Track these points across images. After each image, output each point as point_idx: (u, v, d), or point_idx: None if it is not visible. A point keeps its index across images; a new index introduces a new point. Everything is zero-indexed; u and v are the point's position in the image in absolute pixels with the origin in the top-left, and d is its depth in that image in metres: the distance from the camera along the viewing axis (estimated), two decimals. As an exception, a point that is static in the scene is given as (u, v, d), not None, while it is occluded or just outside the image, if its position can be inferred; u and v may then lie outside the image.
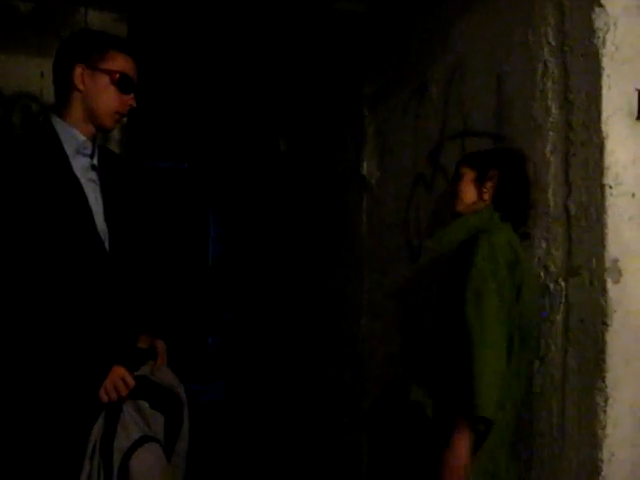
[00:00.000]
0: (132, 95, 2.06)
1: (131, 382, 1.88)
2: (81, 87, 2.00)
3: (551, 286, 2.28)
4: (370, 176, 3.52)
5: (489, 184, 2.29)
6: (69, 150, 2.00)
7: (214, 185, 7.08)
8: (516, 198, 2.29)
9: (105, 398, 1.86)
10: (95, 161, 2.06)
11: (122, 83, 2.03)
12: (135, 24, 3.14)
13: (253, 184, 5.75)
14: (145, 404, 1.93)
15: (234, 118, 5.44)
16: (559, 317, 2.24)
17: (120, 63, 2.04)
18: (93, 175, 2.05)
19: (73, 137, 2.01)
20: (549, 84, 2.30)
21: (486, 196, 2.29)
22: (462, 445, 2.02)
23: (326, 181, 4.18)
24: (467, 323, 2.05)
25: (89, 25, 2.95)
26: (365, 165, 3.57)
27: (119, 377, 1.87)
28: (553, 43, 2.29)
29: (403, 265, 3.17)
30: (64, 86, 2.02)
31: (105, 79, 2.02)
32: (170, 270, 6.97)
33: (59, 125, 2.01)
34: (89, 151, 2.05)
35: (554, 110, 2.28)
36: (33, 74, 2.87)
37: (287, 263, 4.84)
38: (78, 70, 1.99)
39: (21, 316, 1.84)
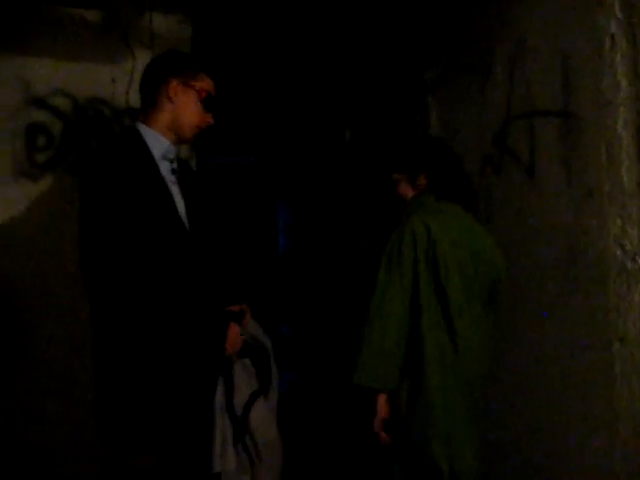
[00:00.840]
0: (211, 114, 2.25)
1: (241, 338, 2.15)
2: (173, 99, 2.17)
3: (628, 265, 2.24)
4: (436, 162, 3.50)
5: (421, 179, 2.57)
6: (156, 155, 2.16)
7: (280, 178, 7.15)
8: (447, 181, 2.56)
9: (230, 351, 2.11)
10: (175, 165, 2.23)
11: (207, 102, 2.22)
12: (200, 24, 3.20)
13: (319, 175, 5.79)
14: (248, 361, 2.21)
15: (299, 110, 5.47)
16: (637, 297, 2.20)
17: (208, 84, 2.23)
18: (173, 178, 2.21)
19: (159, 143, 2.17)
20: (617, 58, 2.25)
21: (421, 184, 2.59)
22: (377, 404, 2.37)
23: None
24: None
25: (155, 29, 3.03)
26: (430, 151, 3.54)
27: (236, 334, 2.13)
28: (620, 16, 2.25)
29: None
30: (155, 95, 2.19)
31: (194, 96, 2.20)
32: (242, 261, 7.07)
33: (146, 131, 2.17)
34: (172, 156, 2.21)
35: (624, 85, 2.24)
36: (104, 80, 2.98)
37: (354, 253, 4.86)
38: (173, 83, 2.17)
39: (150, 296, 1.99)
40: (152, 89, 2.20)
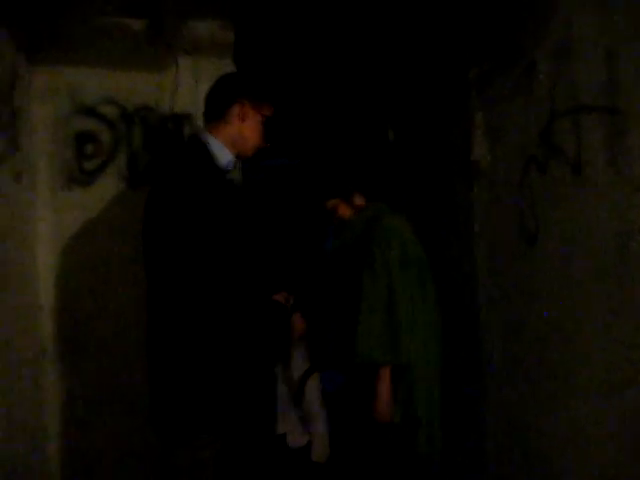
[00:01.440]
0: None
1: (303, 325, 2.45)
2: (242, 118, 2.30)
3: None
4: (480, 161, 3.48)
5: (356, 197, 2.90)
6: (221, 165, 2.28)
7: (326, 179, 7.16)
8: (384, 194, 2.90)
9: (296, 336, 2.42)
10: (230, 176, 2.35)
11: (266, 129, 2.37)
12: (242, 29, 3.23)
13: (363, 175, 5.78)
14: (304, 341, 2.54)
15: (342, 111, 5.48)
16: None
17: (271, 110, 2.39)
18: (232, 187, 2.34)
19: (224, 154, 2.29)
20: (666, 53, 2.21)
21: (360, 202, 2.90)
22: (378, 387, 2.59)
23: (436, 169, 4.15)
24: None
25: (197, 36, 3.07)
26: (475, 150, 3.53)
27: (299, 320, 2.41)
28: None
29: (519, 252, 3.12)
30: (225, 111, 2.31)
31: (259, 119, 2.34)
32: (293, 260, 7.10)
33: (212, 142, 2.28)
34: (232, 168, 2.34)
35: (672, 80, 2.19)
36: (150, 88, 3.04)
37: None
38: (247, 105, 2.30)
39: (228, 296, 2.13)
40: (224, 104, 2.30)
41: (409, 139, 4.72)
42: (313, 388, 2.54)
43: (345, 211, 2.90)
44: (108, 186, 2.99)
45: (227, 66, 3.03)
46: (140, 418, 2.36)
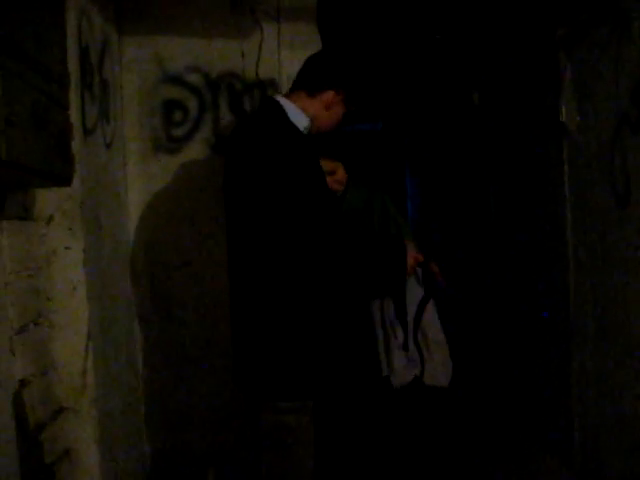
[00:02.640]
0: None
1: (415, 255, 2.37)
2: (328, 105, 2.29)
3: None
4: (570, 122, 3.38)
5: None
6: (299, 128, 2.25)
7: (409, 143, 7.10)
8: None
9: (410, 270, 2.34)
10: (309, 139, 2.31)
11: (346, 115, 2.36)
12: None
13: (448, 140, 5.71)
14: (418, 270, 2.50)
15: (427, 75, 5.41)
16: None
17: (357, 106, 2.37)
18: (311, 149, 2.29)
19: (301, 119, 2.26)
20: None
21: None
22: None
23: (523, 132, 4.06)
24: None
25: (280, 0, 3.07)
26: (564, 111, 3.42)
27: (413, 254, 2.33)
28: None
29: (609, 214, 3.03)
30: (318, 90, 2.29)
31: (341, 110, 2.34)
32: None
33: (288, 106, 2.25)
34: (308, 131, 2.30)
35: None
36: (235, 55, 3.07)
37: (485, 217, 4.78)
38: (340, 95, 2.30)
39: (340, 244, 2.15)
40: (322, 83, 2.28)
41: (495, 102, 4.62)
42: (432, 317, 2.54)
43: None
44: (195, 153, 3.06)
45: (310, 32, 3.03)
46: (229, 378, 2.42)
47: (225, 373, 2.65)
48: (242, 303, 2.22)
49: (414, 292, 2.51)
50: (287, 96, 2.29)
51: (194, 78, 3.05)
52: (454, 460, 3.53)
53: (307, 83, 2.30)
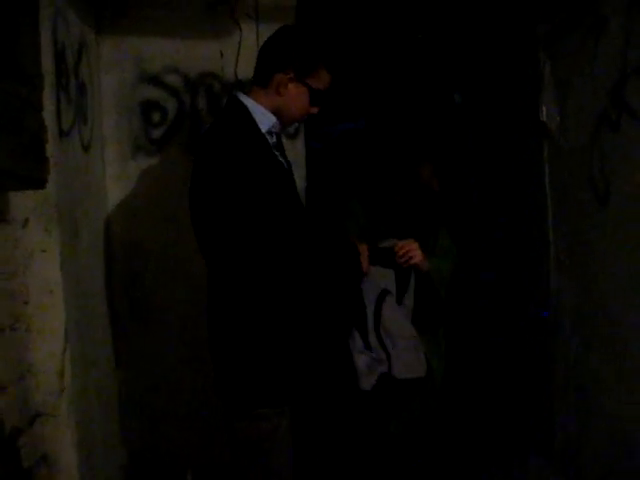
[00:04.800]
0: (317, 107, 2.24)
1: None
2: (283, 90, 2.16)
3: None
4: (550, 121, 3.39)
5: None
6: (263, 129, 2.17)
7: (391, 144, 7.09)
8: None
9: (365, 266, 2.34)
10: (275, 139, 2.25)
11: (316, 98, 2.20)
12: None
13: (429, 140, 5.70)
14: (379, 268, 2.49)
15: (408, 74, 5.40)
16: None
17: (323, 82, 2.21)
18: (276, 152, 2.24)
19: (266, 118, 2.18)
20: None
21: None
22: None
23: (504, 132, 4.07)
24: None
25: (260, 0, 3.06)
26: (544, 110, 3.43)
27: (363, 248, 2.34)
28: None
29: (590, 213, 3.04)
30: (269, 79, 2.17)
31: (305, 93, 2.18)
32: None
33: (253, 106, 2.17)
34: (277, 129, 2.23)
35: None
36: (213, 55, 3.05)
37: (466, 217, 4.79)
38: (289, 75, 2.15)
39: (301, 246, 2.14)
40: (268, 72, 2.18)
41: (476, 102, 4.63)
42: (395, 314, 2.52)
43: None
44: (174, 154, 3.04)
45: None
46: (209, 380, 2.41)
47: (205, 375, 2.63)
48: (215, 309, 2.21)
49: (372, 291, 2.50)
50: (252, 95, 2.20)
51: (173, 79, 3.03)
52: (438, 460, 3.52)
53: (257, 76, 2.22)
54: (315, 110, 2.24)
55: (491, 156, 4.33)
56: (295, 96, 2.18)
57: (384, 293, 2.51)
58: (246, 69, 3.01)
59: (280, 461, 2.16)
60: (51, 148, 2.16)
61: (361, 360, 2.45)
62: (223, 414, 2.25)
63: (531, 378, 3.76)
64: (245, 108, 2.17)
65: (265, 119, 2.18)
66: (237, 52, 3.03)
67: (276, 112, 2.19)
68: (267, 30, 2.99)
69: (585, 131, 3.04)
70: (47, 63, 2.19)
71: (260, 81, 2.20)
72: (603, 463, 2.98)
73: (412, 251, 2.55)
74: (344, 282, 2.30)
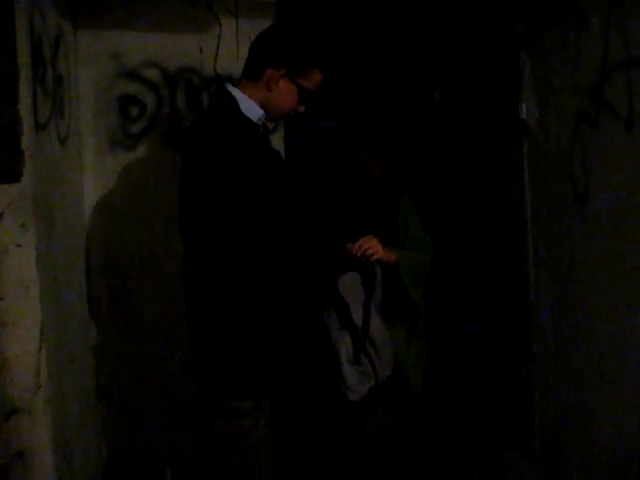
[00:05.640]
0: (305, 105, 2.26)
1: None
2: (273, 86, 2.18)
3: None
4: (529, 119, 3.40)
5: None
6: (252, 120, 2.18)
7: (372, 142, 7.09)
8: None
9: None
10: (262, 130, 2.26)
11: (304, 97, 2.22)
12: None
13: (410, 139, 5.71)
14: (357, 277, 2.50)
15: (388, 74, 5.41)
16: None
17: (314, 81, 2.23)
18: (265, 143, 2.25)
19: (254, 110, 2.19)
20: None
21: None
22: None
23: (484, 130, 4.08)
24: None
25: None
26: (524, 108, 3.44)
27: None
28: None
29: (569, 210, 3.05)
30: (260, 74, 2.19)
31: (295, 91, 2.21)
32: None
33: (240, 97, 2.18)
34: (262, 121, 2.24)
35: None
36: (192, 49, 3.03)
37: (446, 215, 4.80)
38: (280, 71, 2.17)
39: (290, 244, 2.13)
40: (260, 66, 2.19)
41: (457, 100, 4.64)
42: (376, 319, 2.51)
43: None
44: (152, 148, 3.02)
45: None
46: (188, 377, 2.40)
47: (185, 372, 2.62)
48: (194, 299, 2.19)
49: (356, 295, 2.49)
50: (241, 87, 2.21)
51: (151, 73, 3.01)
52: (414, 458, 3.53)
53: (248, 70, 2.23)
54: (302, 108, 2.27)
55: (471, 153, 4.33)
56: (285, 93, 2.20)
57: (367, 306, 2.50)
58: (225, 64, 3.01)
59: (259, 458, 2.15)
60: (27, 141, 2.14)
61: (350, 375, 2.43)
62: (203, 410, 2.24)
63: (510, 374, 3.77)
64: (233, 99, 2.17)
65: (252, 111, 2.18)
66: (216, 47, 3.02)
67: (264, 106, 2.21)
68: (247, 25, 3.01)
69: (565, 129, 3.05)
70: (23, 56, 2.17)
71: (250, 74, 2.22)
72: (582, 460, 2.99)
73: (371, 248, 2.50)
74: (323, 275, 2.29)
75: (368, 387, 2.46)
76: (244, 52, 2.85)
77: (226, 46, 2.99)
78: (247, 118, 2.16)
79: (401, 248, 2.76)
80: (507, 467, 3.60)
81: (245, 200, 2.03)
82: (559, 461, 3.21)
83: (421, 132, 5.31)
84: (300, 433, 2.82)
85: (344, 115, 7.03)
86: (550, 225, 3.24)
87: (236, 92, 2.19)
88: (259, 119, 2.21)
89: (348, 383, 2.42)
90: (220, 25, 3.03)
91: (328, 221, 2.78)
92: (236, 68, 2.97)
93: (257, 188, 2.05)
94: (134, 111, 3.00)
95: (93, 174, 2.97)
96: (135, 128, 3.01)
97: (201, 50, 3.02)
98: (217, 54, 3.02)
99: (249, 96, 2.18)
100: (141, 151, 3.01)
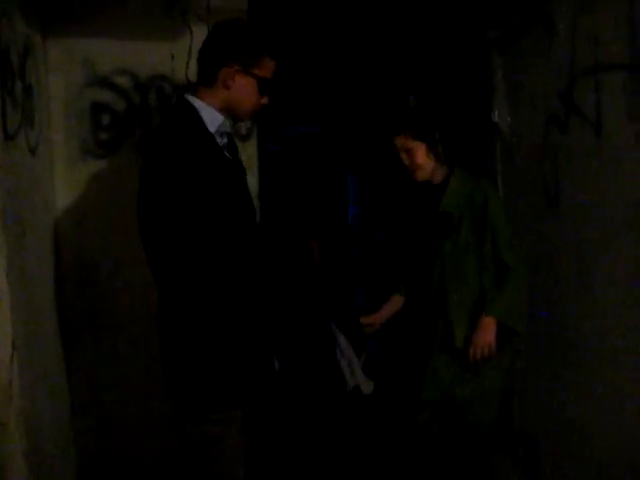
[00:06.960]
0: (267, 96, 2.22)
1: None
2: (230, 84, 2.14)
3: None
4: (502, 123, 3.43)
5: (439, 149, 2.94)
6: (211, 130, 2.15)
7: (349, 147, 7.11)
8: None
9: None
10: (226, 140, 2.24)
11: (264, 87, 2.19)
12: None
13: (386, 143, 5.72)
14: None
15: (364, 79, 5.42)
16: None
17: (269, 69, 2.19)
18: (226, 152, 2.22)
19: (214, 118, 2.16)
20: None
21: (438, 159, 2.95)
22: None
23: (458, 133, 4.10)
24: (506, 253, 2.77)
25: (211, 2, 3.03)
26: (496, 112, 3.47)
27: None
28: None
29: (541, 214, 3.08)
30: (214, 75, 2.16)
31: (253, 83, 2.17)
32: (311, 231, 7.09)
33: (200, 106, 2.16)
34: (226, 130, 2.22)
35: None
36: (164, 57, 3.03)
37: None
38: (233, 68, 2.14)
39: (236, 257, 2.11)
40: (212, 68, 2.17)
41: (431, 105, 4.66)
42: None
43: (427, 162, 3.00)
44: (124, 157, 3.00)
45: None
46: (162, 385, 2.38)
47: (159, 380, 2.59)
48: (164, 313, 2.18)
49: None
50: (199, 95, 2.19)
51: (123, 80, 2.99)
52: (395, 460, 3.53)
53: (202, 76, 2.21)
54: (266, 100, 2.23)
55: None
56: (243, 87, 2.16)
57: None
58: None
59: (231, 467, 2.14)
60: (-5, 152, 2.12)
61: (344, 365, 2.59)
62: (175, 418, 2.22)
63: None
64: (193, 108, 2.15)
65: (213, 119, 2.16)
66: (188, 54, 3.00)
67: (227, 108, 2.18)
68: (218, 32, 2.99)
69: (537, 133, 3.09)
70: (-10, 65, 2.15)
71: (205, 80, 2.19)
72: (561, 460, 3.02)
73: (485, 350, 2.74)
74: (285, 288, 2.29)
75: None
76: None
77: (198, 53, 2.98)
78: (203, 130, 2.14)
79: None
80: (488, 465, 3.62)
81: (199, 210, 2.02)
82: (538, 457, 3.23)
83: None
84: (273, 442, 2.82)
85: (319, 120, 7.09)
86: (522, 228, 3.26)
87: (196, 101, 2.16)
88: (221, 126, 2.19)
89: (358, 376, 2.59)
90: (192, 33, 3.02)
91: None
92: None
93: (202, 197, 2.03)
94: (105, 119, 2.98)
95: (64, 183, 2.94)
96: (107, 136, 2.98)
97: (173, 57, 3.01)
98: (189, 61, 3.00)
99: (207, 103, 2.16)
100: (113, 159, 2.99)
